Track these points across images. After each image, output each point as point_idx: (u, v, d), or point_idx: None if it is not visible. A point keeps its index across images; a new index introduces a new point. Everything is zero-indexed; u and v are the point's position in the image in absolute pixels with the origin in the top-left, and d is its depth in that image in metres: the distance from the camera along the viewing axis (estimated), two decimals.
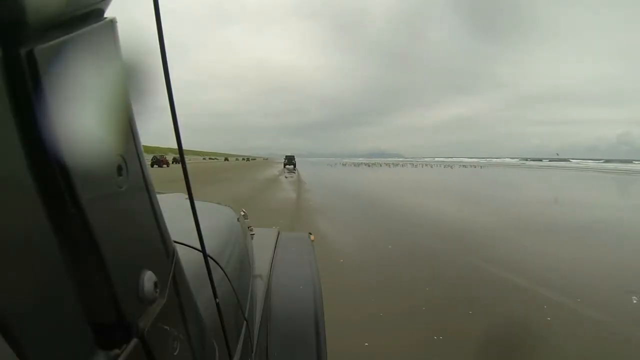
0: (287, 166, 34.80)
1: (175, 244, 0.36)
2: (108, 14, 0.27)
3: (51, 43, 0.21)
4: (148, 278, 0.28)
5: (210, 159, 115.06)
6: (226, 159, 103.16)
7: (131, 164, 0.28)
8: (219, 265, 0.66)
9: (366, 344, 2.28)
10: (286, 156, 37.04)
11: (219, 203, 1.32)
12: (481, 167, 56.27)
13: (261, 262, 1.16)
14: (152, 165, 33.97)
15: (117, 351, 0.25)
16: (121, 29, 0.27)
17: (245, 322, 0.71)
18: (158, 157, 36.98)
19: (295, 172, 27.77)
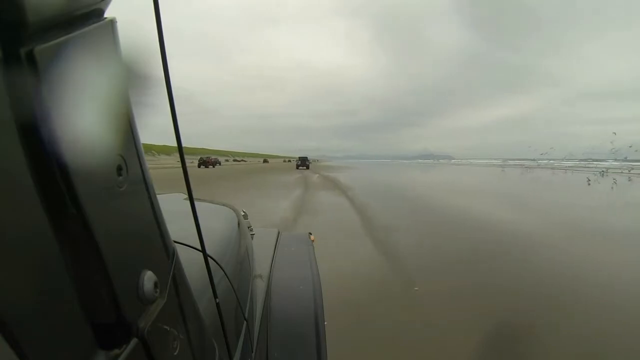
0: (300, 167, 37.94)
1: (175, 244, 0.36)
2: (108, 14, 0.27)
3: (51, 43, 0.21)
4: (148, 278, 0.28)
5: (235, 160, 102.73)
6: (265, 161, 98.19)
7: (131, 164, 0.28)
8: (219, 265, 0.66)
9: None
10: (299, 157, 41.52)
11: (219, 203, 1.32)
12: None
13: (261, 262, 1.16)
14: (199, 166, 38.26)
15: (117, 351, 0.25)
16: (121, 29, 0.27)
17: (245, 322, 0.71)
18: (204, 159, 42.07)
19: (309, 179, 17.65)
